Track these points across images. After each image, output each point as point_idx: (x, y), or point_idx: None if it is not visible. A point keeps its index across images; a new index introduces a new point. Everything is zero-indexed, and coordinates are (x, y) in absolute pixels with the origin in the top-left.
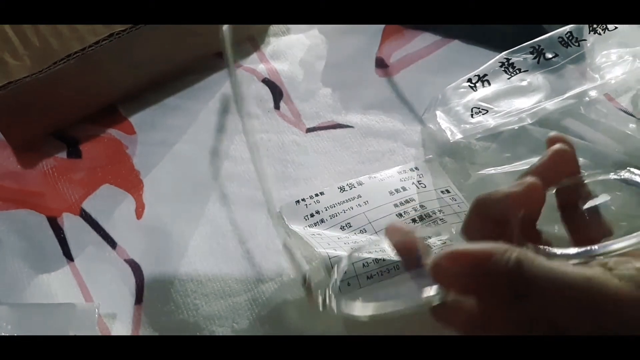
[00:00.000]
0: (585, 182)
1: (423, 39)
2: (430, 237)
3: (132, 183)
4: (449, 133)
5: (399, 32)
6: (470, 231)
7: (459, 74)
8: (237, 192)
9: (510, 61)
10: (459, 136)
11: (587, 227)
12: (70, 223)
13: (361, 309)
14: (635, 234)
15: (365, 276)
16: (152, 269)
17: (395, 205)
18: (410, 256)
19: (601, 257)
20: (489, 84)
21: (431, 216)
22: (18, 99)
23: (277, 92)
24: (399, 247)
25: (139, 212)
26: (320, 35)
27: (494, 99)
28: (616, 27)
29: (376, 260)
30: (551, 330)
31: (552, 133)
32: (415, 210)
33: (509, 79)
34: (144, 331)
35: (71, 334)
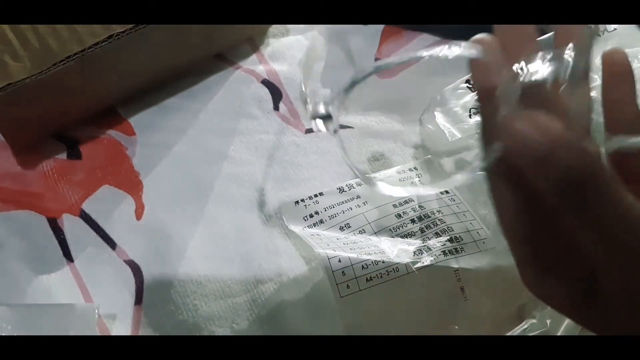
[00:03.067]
0: None
1: (422, 40)
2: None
3: (131, 184)
4: (447, 133)
5: (397, 33)
6: None
7: (458, 75)
8: (236, 193)
9: None
10: (457, 136)
11: None
12: (70, 224)
13: None
14: None
15: (364, 278)
16: (151, 269)
17: (394, 206)
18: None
19: None
20: None
21: (430, 216)
22: (18, 101)
23: (276, 93)
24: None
25: (139, 213)
26: (319, 36)
27: None
28: (615, 29)
29: (375, 262)
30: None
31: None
32: (414, 210)
33: None
34: (144, 332)
35: (71, 334)
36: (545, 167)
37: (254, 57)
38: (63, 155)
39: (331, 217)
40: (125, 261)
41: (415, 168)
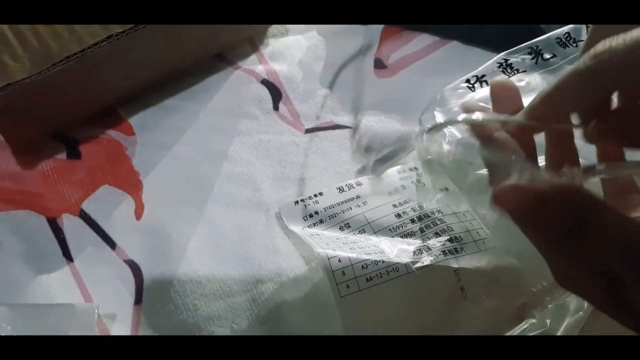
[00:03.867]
0: None
1: (421, 40)
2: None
3: (131, 184)
4: (447, 133)
5: (397, 33)
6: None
7: (457, 75)
8: (236, 192)
9: (509, 62)
10: (457, 136)
11: None
12: (70, 224)
13: None
14: None
15: (364, 278)
16: (151, 269)
17: (394, 206)
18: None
19: None
20: (487, 84)
21: (430, 216)
22: (17, 101)
23: (275, 93)
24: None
25: (139, 213)
26: (318, 36)
27: None
28: None
29: (375, 262)
30: (602, 278)
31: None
32: (414, 210)
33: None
34: (144, 331)
35: (70, 334)
36: (545, 211)
37: (253, 57)
38: (63, 155)
39: (331, 216)
40: (125, 261)
41: (415, 168)
